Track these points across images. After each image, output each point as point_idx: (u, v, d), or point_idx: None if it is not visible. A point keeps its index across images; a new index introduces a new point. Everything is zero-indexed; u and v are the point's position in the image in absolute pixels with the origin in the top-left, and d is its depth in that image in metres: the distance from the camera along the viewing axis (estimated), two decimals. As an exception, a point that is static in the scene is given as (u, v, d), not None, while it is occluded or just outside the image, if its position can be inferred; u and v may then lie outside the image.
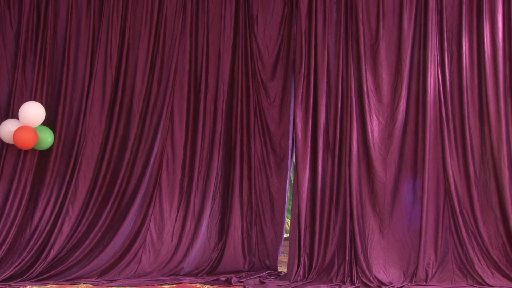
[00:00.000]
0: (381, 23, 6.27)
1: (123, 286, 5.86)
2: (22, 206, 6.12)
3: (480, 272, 5.94)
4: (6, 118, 6.26)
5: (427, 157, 6.11)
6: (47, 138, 6.15)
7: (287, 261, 6.38)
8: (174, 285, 5.93)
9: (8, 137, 6.09)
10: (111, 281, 5.97)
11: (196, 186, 6.41)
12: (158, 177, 6.38)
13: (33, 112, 6.06)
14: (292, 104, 6.45)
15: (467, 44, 6.21)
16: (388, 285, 5.86)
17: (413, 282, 5.96)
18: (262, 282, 5.97)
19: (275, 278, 6.21)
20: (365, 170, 6.21)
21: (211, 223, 6.40)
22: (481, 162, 6.15)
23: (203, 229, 6.34)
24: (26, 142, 5.99)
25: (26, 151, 6.20)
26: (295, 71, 6.37)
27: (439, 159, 6.18)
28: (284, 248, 6.74)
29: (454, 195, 6.10)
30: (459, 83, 6.20)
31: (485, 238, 6.03)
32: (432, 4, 6.22)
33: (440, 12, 6.25)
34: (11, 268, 5.87)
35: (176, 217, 6.36)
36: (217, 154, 6.44)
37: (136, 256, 6.20)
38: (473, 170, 6.14)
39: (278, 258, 6.53)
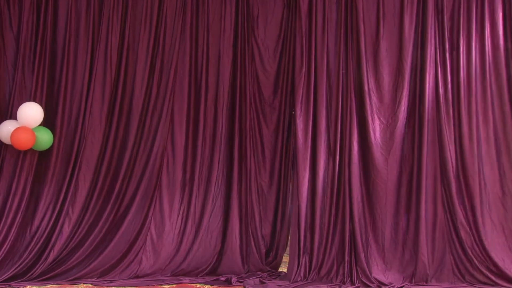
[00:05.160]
0: (381, 23, 6.28)
1: (123, 286, 5.87)
2: (22, 207, 6.12)
3: (478, 272, 5.97)
4: (6, 118, 6.25)
5: (427, 157, 6.12)
6: (46, 139, 6.14)
7: (287, 261, 6.39)
8: (174, 285, 5.95)
9: (7, 138, 6.08)
10: (111, 281, 5.98)
11: (197, 187, 6.41)
12: (159, 178, 6.38)
13: (31, 113, 6.06)
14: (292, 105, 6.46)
15: (467, 43, 6.23)
16: (388, 285, 5.88)
17: (413, 282, 5.98)
18: (262, 282, 5.98)
19: (275, 278, 6.21)
20: (366, 170, 6.22)
21: (212, 224, 6.38)
22: (482, 161, 6.16)
23: (204, 230, 6.34)
24: (23, 143, 5.98)
25: (25, 152, 6.19)
26: (295, 71, 6.37)
27: (439, 159, 6.18)
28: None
29: (454, 195, 6.11)
30: (461, 82, 6.21)
31: (483, 238, 6.04)
32: (432, 4, 6.23)
33: (441, 12, 6.26)
34: (12, 269, 5.88)
35: (177, 218, 6.35)
36: (217, 155, 6.44)
37: (136, 257, 6.20)
38: (473, 170, 6.14)
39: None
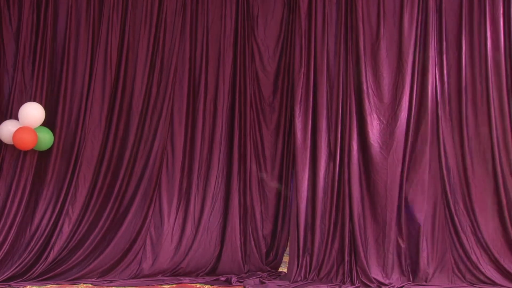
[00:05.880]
0: (381, 23, 6.29)
1: (123, 286, 5.87)
2: (22, 206, 6.12)
3: (479, 271, 5.98)
4: (6, 118, 6.24)
5: (427, 157, 6.13)
6: (46, 138, 6.15)
7: (287, 261, 6.39)
8: (174, 285, 5.95)
9: (7, 138, 6.08)
10: (111, 281, 5.99)
11: (196, 187, 6.41)
12: (158, 178, 6.38)
13: (33, 112, 6.06)
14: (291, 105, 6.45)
15: (467, 43, 6.24)
16: (388, 285, 5.88)
17: (413, 282, 5.97)
18: (262, 282, 5.98)
19: (275, 278, 6.21)
20: (366, 170, 6.21)
21: (212, 224, 6.37)
22: (482, 160, 6.15)
23: (203, 229, 6.33)
24: (26, 143, 5.99)
25: (25, 152, 6.19)
26: (294, 71, 6.36)
27: (439, 158, 6.19)
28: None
29: (454, 194, 6.12)
30: (460, 82, 6.22)
31: (484, 237, 6.05)
32: (432, 4, 6.23)
33: (440, 12, 6.26)
34: (11, 269, 5.88)
35: (176, 218, 6.34)
36: (217, 154, 6.44)
37: (136, 257, 6.19)
38: (472, 169, 6.15)
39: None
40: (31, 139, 6.00)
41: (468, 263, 6.03)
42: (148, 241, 6.27)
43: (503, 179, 6.09)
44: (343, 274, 6.03)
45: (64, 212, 6.17)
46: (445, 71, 6.24)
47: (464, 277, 6.00)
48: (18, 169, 6.19)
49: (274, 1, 6.53)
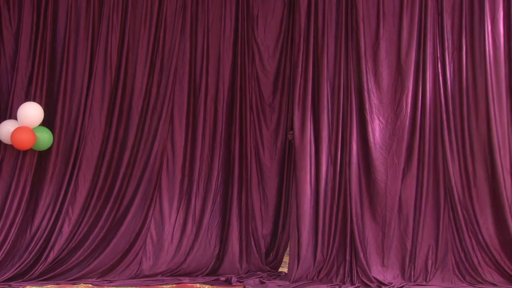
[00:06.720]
0: (381, 23, 6.28)
1: (123, 286, 5.87)
2: (22, 207, 6.10)
3: (480, 272, 5.98)
4: (5, 118, 6.23)
5: (427, 157, 6.16)
6: (45, 138, 6.14)
7: (287, 261, 6.39)
8: (174, 285, 5.95)
9: (6, 138, 6.08)
10: (111, 281, 5.99)
11: (197, 187, 6.41)
12: (159, 178, 6.37)
13: (31, 112, 6.05)
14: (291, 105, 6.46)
15: (468, 43, 6.24)
16: (388, 285, 5.88)
17: (413, 282, 5.97)
18: (262, 282, 5.98)
19: (275, 278, 6.21)
20: (366, 170, 6.21)
21: (212, 224, 6.38)
22: (482, 161, 6.16)
23: (204, 230, 6.34)
24: (24, 143, 5.98)
25: (25, 152, 6.19)
26: (294, 71, 6.37)
27: (439, 159, 6.20)
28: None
29: (455, 195, 6.12)
30: (459, 82, 6.23)
31: (486, 238, 6.05)
32: (432, 4, 6.24)
33: (440, 13, 6.27)
34: (12, 270, 5.87)
35: (176, 218, 6.35)
36: (217, 155, 6.45)
37: (136, 257, 6.19)
38: (472, 170, 6.16)
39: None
40: (29, 139, 5.99)
41: (468, 265, 6.03)
42: (148, 241, 6.27)
43: (504, 180, 6.08)
44: (343, 274, 6.03)
45: (64, 212, 6.17)
46: (447, 71, 6.23)
47: (464, 278, 6.00)
48: (18, 169, 6.17)
49: (274, 1, 6.53)
